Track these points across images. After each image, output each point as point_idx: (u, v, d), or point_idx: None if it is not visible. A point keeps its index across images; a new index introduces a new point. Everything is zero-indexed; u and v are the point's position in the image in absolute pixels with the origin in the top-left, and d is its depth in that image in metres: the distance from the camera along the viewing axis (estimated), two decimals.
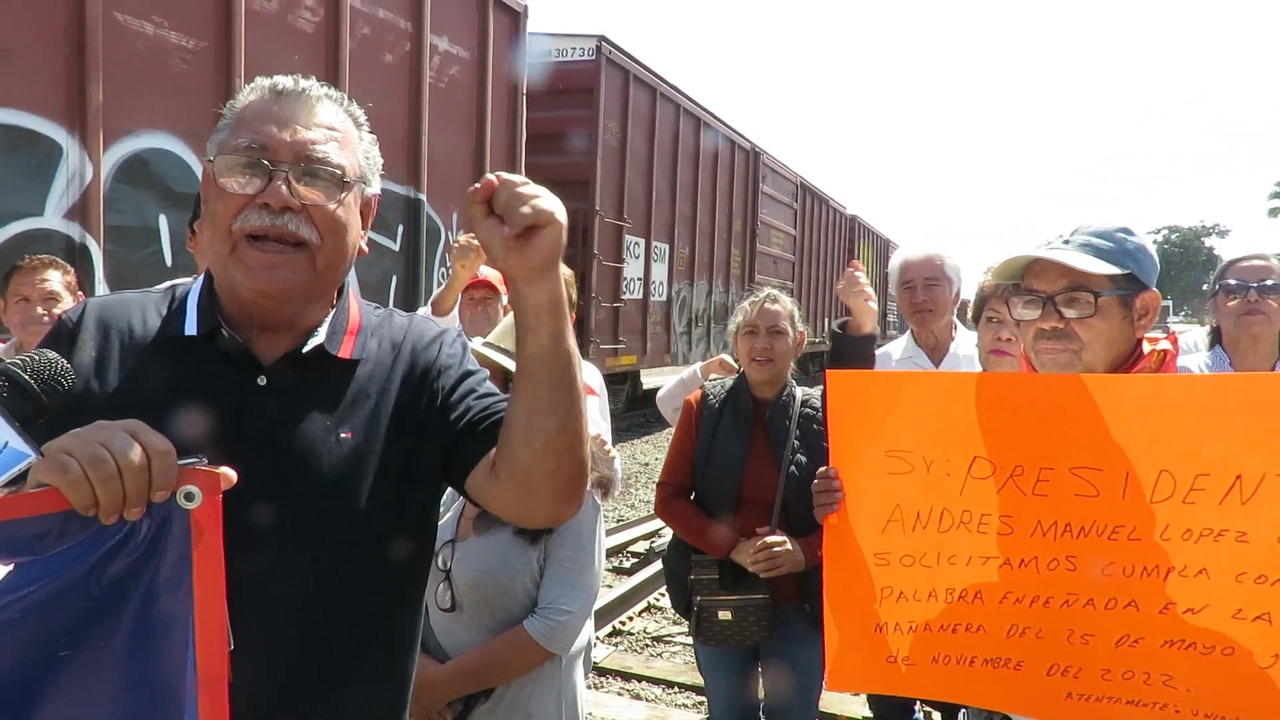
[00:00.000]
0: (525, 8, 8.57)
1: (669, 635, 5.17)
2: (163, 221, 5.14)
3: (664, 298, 12.51)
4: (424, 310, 3.93)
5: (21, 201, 4.40)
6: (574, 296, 3.09)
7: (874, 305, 2.46)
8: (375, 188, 1.33)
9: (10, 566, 0.91)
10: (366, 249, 1.35)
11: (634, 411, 13.52)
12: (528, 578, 1.98)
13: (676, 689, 4.47)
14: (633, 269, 11.51)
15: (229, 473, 0.99)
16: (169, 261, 5.15)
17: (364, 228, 1.32)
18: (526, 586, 1.98)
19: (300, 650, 1.22)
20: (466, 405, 1.30)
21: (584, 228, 10.36)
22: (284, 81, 1.25)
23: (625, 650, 4.95)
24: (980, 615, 1.57)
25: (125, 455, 0.91)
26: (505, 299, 3.93)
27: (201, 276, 1.32)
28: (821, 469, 1.70)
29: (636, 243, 11.59)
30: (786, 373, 2.88)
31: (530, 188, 1.08)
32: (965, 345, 3.30)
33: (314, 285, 1.24)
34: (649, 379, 14.05)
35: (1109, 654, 1.51)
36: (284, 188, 1.18)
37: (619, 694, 4.42)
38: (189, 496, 0.97)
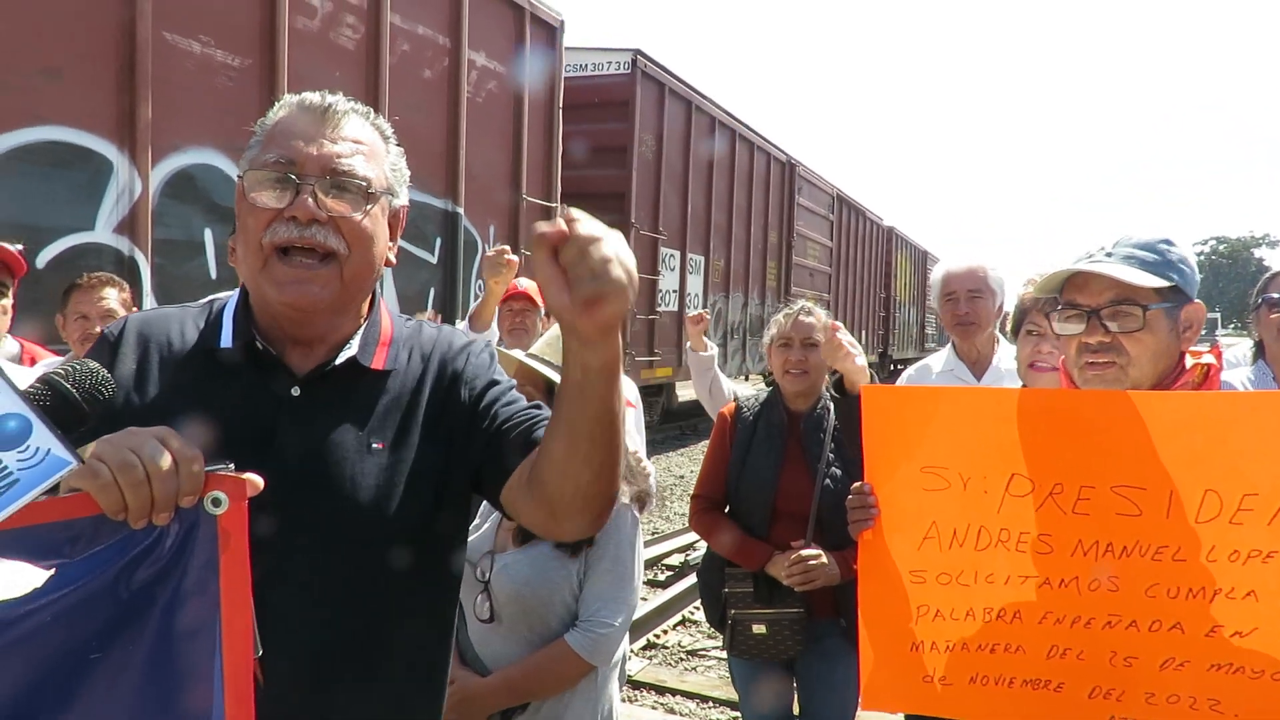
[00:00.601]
0: (561, 22, 8.65)
1: (703, 649, 5.14)
2: (208, 235, 5.25)
3: (699, 310, 12.51)
4: (462, 325, 3.96)
5: (74, 216, 4.52)
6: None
7: (863, 361, 2.41)
8: (403, 199, 1.35)
9: (52, 570, 0.94)
10: (395, 260, 1.37)
11: (669, 424, 13.51)
12: (567, 590, 1.99)
13: (711, 703, 4.44)
14: (668, 281, 11.51)
15: (255, 479, 1.01)
16: (214, 274, 5.26)
17: (392, 239, 1.34)
18: (566, 599, 1.99)
19: (330, 657, 1.24)
20: (494, 415, 1.31)
21: None
22: (311, 97, 1.27)
23: (659, 664, 4.93)
24: (1019, 635, 1.54)
25: (154, 461, 0.93)
26: (544, 310, 3.96)
27: (238, 290, 1.35)
28: (856, 485, 1.69)
29: (672, 255, 11.60)
30: (821, 385, 2.87)
31: (601, 250, 0.96)
32: (1008, 358, 3.24)
33: (342, 297, 1.26)
34: (684, 391, 14.03)
35: (1153, 677, 1.47)
36: (311, 200, 1.20)
37: (653, 708, 4.41)
38: (216, 502, 0.98)
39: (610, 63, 10.57)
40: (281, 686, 1.09)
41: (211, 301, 1.38)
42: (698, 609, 5.70)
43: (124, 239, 4.75)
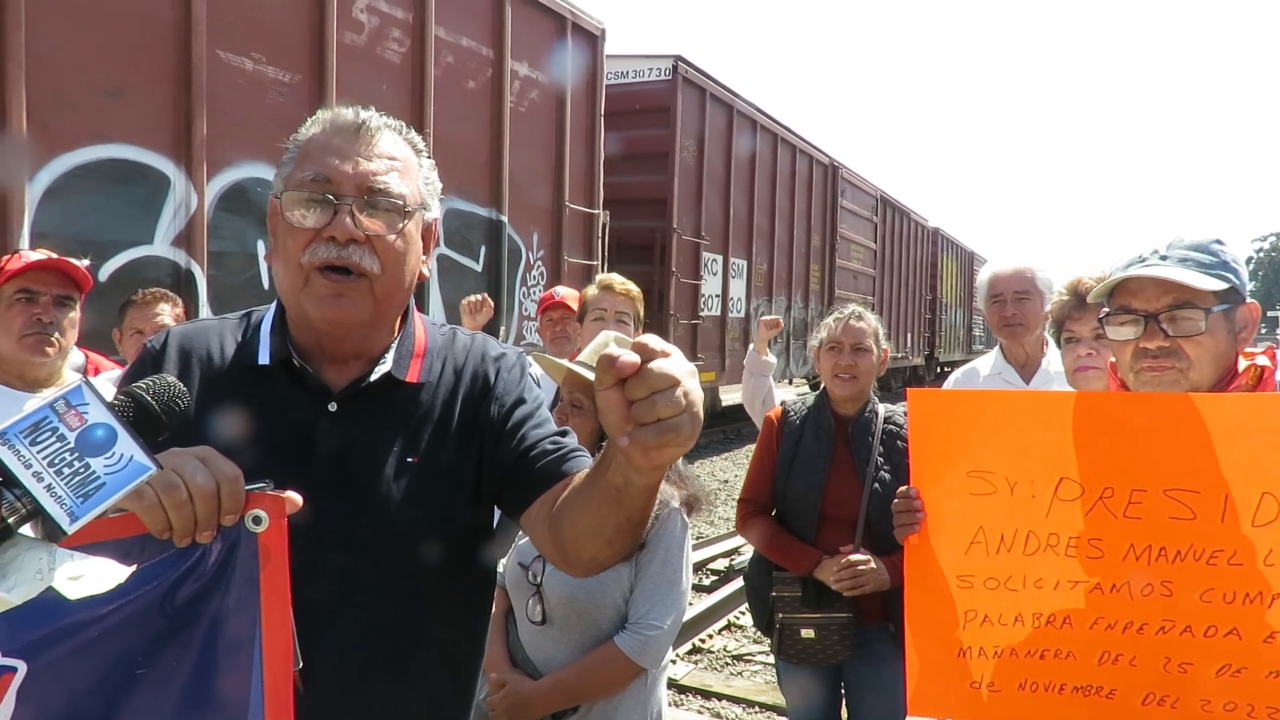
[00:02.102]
0: (602, 31, 8.71)
1: (749, 654, 5.13)
2: (260, 247, 5.39)
3: (742, 314, 12.47)
4: None
5: (134, 230, 4.68)
6: (641, 312, 3.12)
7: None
8: (435, 212, 1.37)
9: (133, 567, 0.98)
10: (428, 273, 1.38)
11: (713, 428, 13.48)
12: (618, 593, 2.01)
13: (757, 708, 4.43)
14: (710, 286, 11.51)
15: (294, 497, 1.05)
16: (266, 285, 5.39)
17: (425, 252, 1.36)
18: (617, 602, 2.01)
19: (369, 667, 1.27)
20: (523, 436, 1.31)
21: (662, 245, 10.43)
22: (344, 114, 1.28)
23: (705, 668, 4.93)
24: (1070, 641, 1.53)
25: (195, 481, 0.97)
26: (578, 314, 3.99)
27: (274, 305, 1.37)
28: (902, 489, 1.68)
29: (714, 259, 11.60)
30: (869, 390, 2.86)
31: (672, 399, 0.87)
32: (1057, 361, 3.20)
33: (377, 313, 1.28)
34: (728, 396, 14.01)
35: (1209, 684, 1.45)
36: (349, 220, 1.21)
37: (699, 712, 4.41)
38: (257, 520, 1.02)
39: (651, 69, 10.61)
40: (317, 693, 1.13)
41: (249, 314, 1.40)
42: (743, 614, 5.69)
43: (181, 251, 4.91)
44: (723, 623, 5.64)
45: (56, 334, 2.29)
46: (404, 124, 1.35)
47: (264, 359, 1.30)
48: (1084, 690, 1.53)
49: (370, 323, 1.29)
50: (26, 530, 0.95)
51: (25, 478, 0.91)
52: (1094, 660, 1.52)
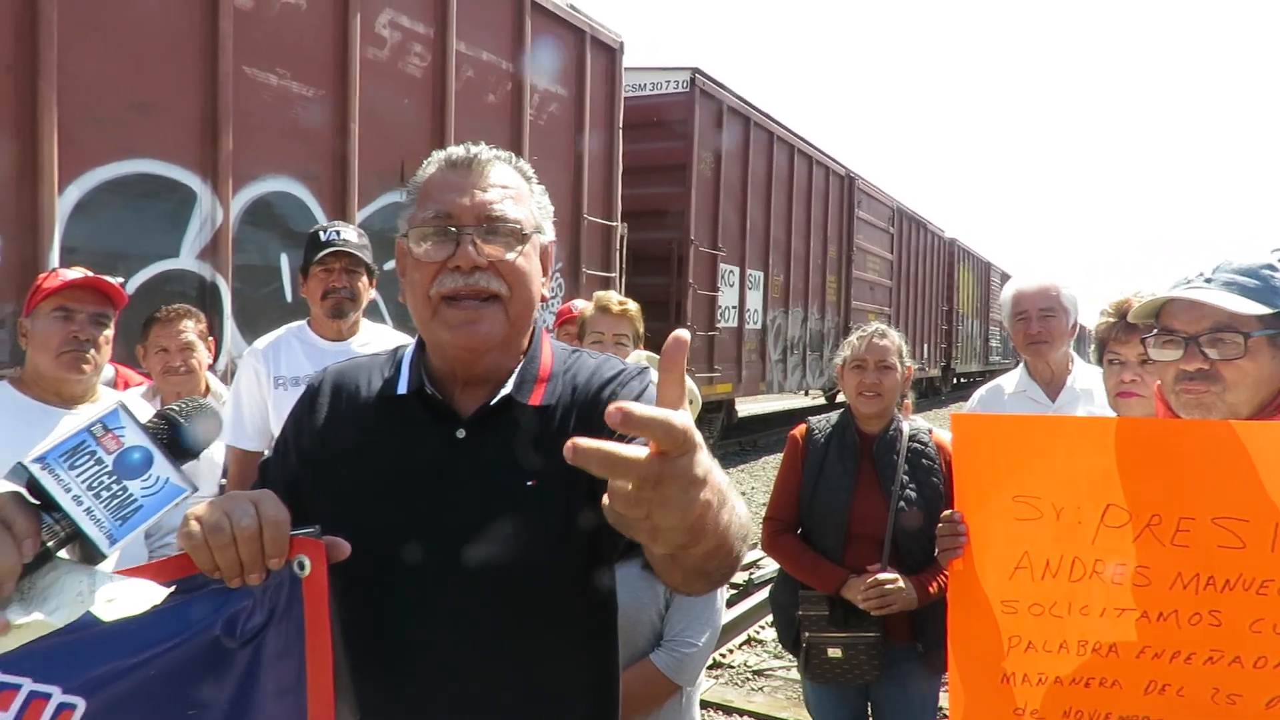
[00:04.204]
0: (621, 44, 8.75)
1: (769, 669, 5.10)
2: (284, 260, 5.43)
3: (759, 325, 12.46)
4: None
5: (161, 244, 4.72)
6: (640, 330, 3.08)
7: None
8: (550, 234, 1.40)
9: (171, 589, 0.99)
10: (548, 295, 1.41)
11: (729, 440, 13.46)
12: (654, 610, 2.01)
13: None
14: (727, 297, 11.51)
15: (339, 544, 1.07)
16: (289, 298, 5.42)
17: (544, 274, 1.39)
18: (652, 619, 2.01)
19: (495, 691, 1.28)
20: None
21: (679, 257, 10.44)
22: (456, 151, 1.33)
23: (725, 683, 4.91)
24: (1116, 670, 1.51)
25: (241, 523, 0.98)
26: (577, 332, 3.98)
27: (415, 338, 1.42)
28: (946, 513, 1.68)
29: (731, 271, 11.60)
30: (894, 407, 2.85)
31: (652, 494, 0.76)
32: (1084, 378, 3.18)
33: (509, 335, 1.32)
34: (744, 407, 13.99)
35: (1258, 715, 1.43)
36: (471, 249, 1.26)
37: None
38: (300, 565, 1.03)
39: (669, 82, 10.64)
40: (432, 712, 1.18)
41: (397, 349, 1.46)
42: (763, 628, 5.66)
43: (206, 265, 4.94)
44: (743, 637, 5.61)
45: (92, 351, 2.31)
46: (513, 154, 1.40)
47: (402, 389, 1.35)
48: None
49: (503, 345, 1.32)
50: (64, 554, 0.96)
51: (65, 501, 0.93)
52: (1140, 689, 1.50)
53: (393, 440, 1.32)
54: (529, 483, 1.28)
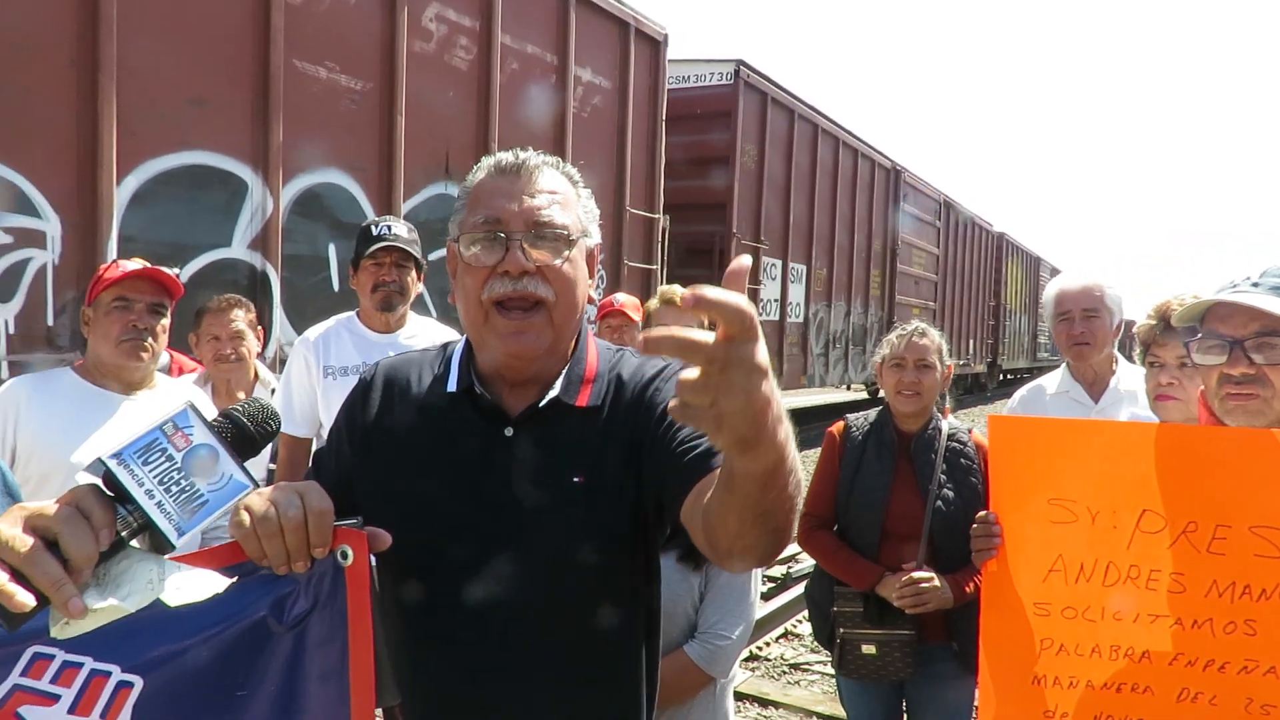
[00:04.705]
0: (665, 36, 8.73)
1: (806, 663, 5.11)
2: (331, 250, 5.54)
3: (801, 319, 12.39)
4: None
5: (214, 234, 4.84)
6: (706, 322, 3.11)
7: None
8: (596, 238, 1.44)
9: (234, 579, 1.04)
10: (595, 298, 1.44)
11: None
12: (689, 603, 2.04)
13: (815, 718, 4.42)
14: (769, 291, 11.46)
15: (381, 534, 1.11)
16: (336, 287, 5.54)
17: (591, 277, 1.43)
18: (687, 611, 2.04)
19: (541, 684, 1.32)
20: (675, 435, 1.28)
21: (720, 250, 10.42)
22: (505, 158, 1.37)
23: (762, 676, 4.93)
24: (1148, 676, 1.51)
25: (288, 514, 1.03)
26: (643, 326, 4.02)
27: (464, 337, 1.46)
28: (981, 514, 1.68)
29: (774, 264, 11.54)
30: (933, 406, 2.84)
31: (709, 378, 0.81)
32: (1128, 379, 3.13)
33: (555, 341, 1.36)
34: (785, 401, 13.90)
35: None
36: (520, 254, 1.30)
37: None
38: (344, 555, 1.08)
39: (713, 74, 10.60)
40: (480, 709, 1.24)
41: (446, 345, 1.51)
42: (800, 621, 5.66)
43: (257, 254, 5.06)
44: (780, 630, 5.62)
45: (150, 339, 2.39)
46: (559, 159, 1.44)
47: (452, 387, 1.40)
48: None
49: (551, 351, 1.36)
50: (135, 543, 1.01)
51: (139, 495, 0.98)
52: (1172, 697, 1.49)
53: (443, 436, 1.37)
54: (575, 479, 1.31)
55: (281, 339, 5.17)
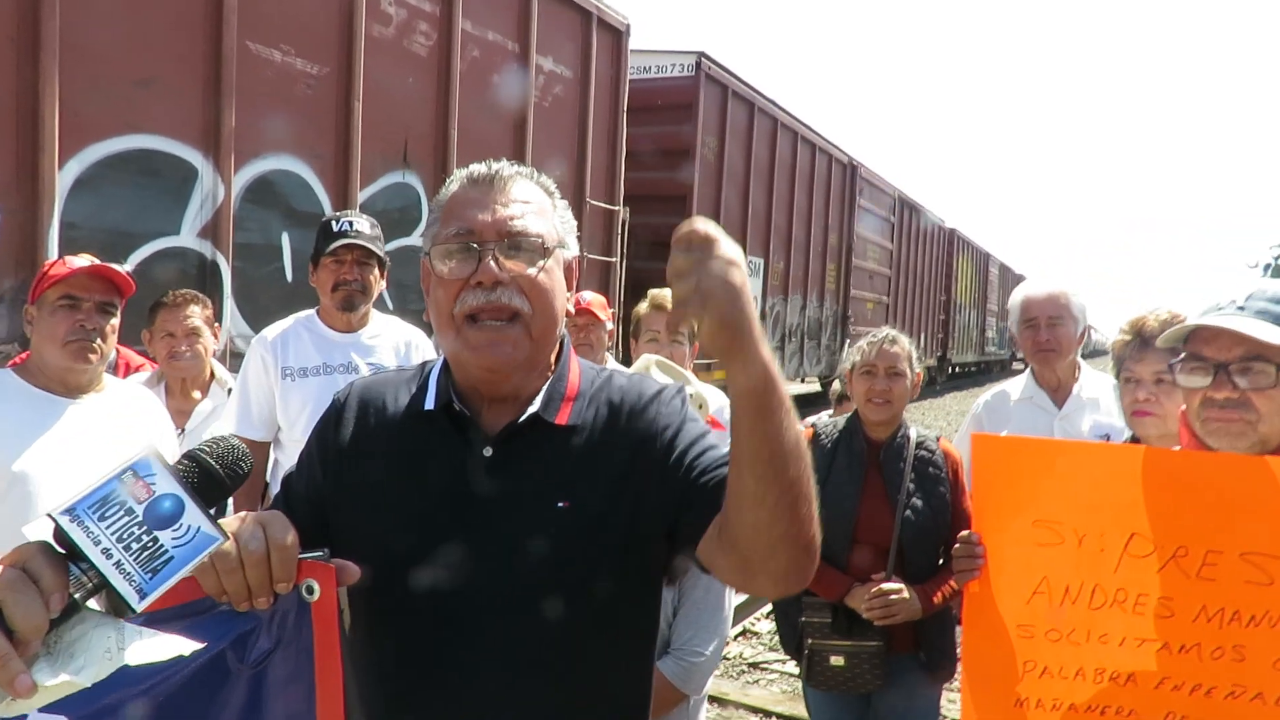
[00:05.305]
0: (627, 26, 8.65)
1: (765, 662, 5.12)
2: (285, 240, 5.37)
3: (758, 313, 12.41)
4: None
5: (161, 221, 4.66)
6: (696, 327, 3.06)
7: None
8: (574, 250, 1.39)
9: (201, 644, 0.97)
10: (573, 310, 1.40)
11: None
12: (661, 618, 2.00)
13: (775, 718, 4.42)
14: None
15: (349, 567, 1.05)
16: (290, 277, 5.38)
17: (569, 289, 1.38)
18: (660, 627, 2.00)
19: (526, 713, 1.26)
20: (689, 465, 1.27)
21: None
22: (478, 169, 1.33)
23: (721, 675, 4.92)
24: (1133, 699, 1.51)
25: (248, 547, 0.97)
26: (610, 325, 3.94)
27: (443, 356, 1.40)
28: (963, 534, 1.66)
29: None
30: (902, 414, 2.83)
31: (690, 265, 1.03)
32: (1090, 387, 3.17)
33: (533, 354, 1.30)
34: None
35: None
36: (493, 264, 1.25)
37: None
38: (310, 590, 1.01)
39: (674, 65, 10.54)
40: None
41: (425, 364, 1.45)
42: (758, 619, 5.68)
43: (207, 243, 4.88)
44: (738, 629, 5.63)
45: (99, 340, 2.27)
46: (535, 170, 1.39)
47: (429, 405, 1.34)
48: None
49: (528, 365, 1.31)
50: (92, 603, 0.93)
51: (94, 555, 0.88)
52: None
53: (420, 457, 1.31)
54: (560, 504, 1.26)
55: (233, 331, 5.00)
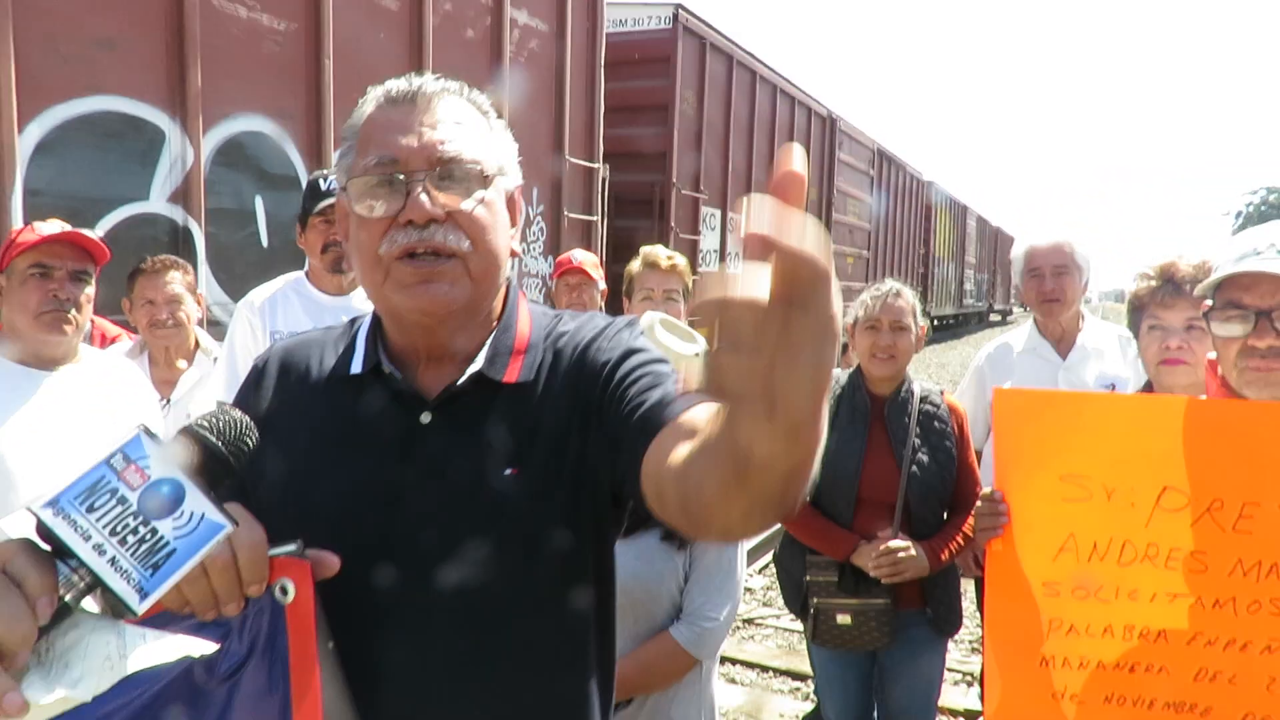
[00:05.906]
0: None
1: (759, 618, 5.14)
2: (259, 203, 5.21)
3: (741, 270, 12.34)
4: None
5: (129, 186, 4.49)
6: (690, 284, 3.00)
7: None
8: (517, 178, 1.22)
9: (217, 643, 0.89)
10: (519, 249, 1.22)
11: None
12: (673, 583, 1.96)
13: (771, 673, 4.44)
14: (709, 241, 11.36)
15: (327, 559, 0.94)
16: (265, 242, 5.23)
17: (513, 224, 1.20)
18: (671, 591, 1.96)
19: (479, 690, 1.15)
20: (620, 399, 1.08)
21: (660, 200, 10.25)
22: (397, 85, 1.14)
23: None
24: (1164, 656, 1.48)
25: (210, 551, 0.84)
26: (602, 285, 3.86)
27: (372, 310, 1.25)
28: (985, 491, 1.62)
29: (713, 214, 11.43)
30: (906, 369, 2.78)
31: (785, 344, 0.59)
32: (1094, 337, 3.14)
33: (474, 296, 1.13)
34: None
35: None
36: (424, 198, 1.07)
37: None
38: (284, 590, 0.92)
39: (651, 18, 10.31)
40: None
41: (353, 321, 1.28)
42: (751, 575, 5.69)
43: (178, 208, 4.72)
44: None
45: (74, 310, 2.16)
46: (464, 84, 1.20)
47: (356, 368, 1.18)
48: (1176, 707, 1.48)
49: (469, 308, 1.14)
50: (87, 602, 0.82)
51: (84, 552, 0.78)
52: (1189, 677, 1.47)
53: (348, 427, 1.15)
54: (507, 471, 1.11)
55: (208, 298, 4.86)
